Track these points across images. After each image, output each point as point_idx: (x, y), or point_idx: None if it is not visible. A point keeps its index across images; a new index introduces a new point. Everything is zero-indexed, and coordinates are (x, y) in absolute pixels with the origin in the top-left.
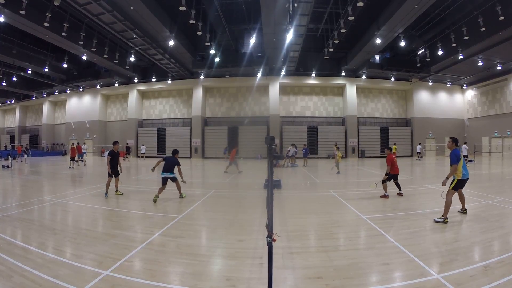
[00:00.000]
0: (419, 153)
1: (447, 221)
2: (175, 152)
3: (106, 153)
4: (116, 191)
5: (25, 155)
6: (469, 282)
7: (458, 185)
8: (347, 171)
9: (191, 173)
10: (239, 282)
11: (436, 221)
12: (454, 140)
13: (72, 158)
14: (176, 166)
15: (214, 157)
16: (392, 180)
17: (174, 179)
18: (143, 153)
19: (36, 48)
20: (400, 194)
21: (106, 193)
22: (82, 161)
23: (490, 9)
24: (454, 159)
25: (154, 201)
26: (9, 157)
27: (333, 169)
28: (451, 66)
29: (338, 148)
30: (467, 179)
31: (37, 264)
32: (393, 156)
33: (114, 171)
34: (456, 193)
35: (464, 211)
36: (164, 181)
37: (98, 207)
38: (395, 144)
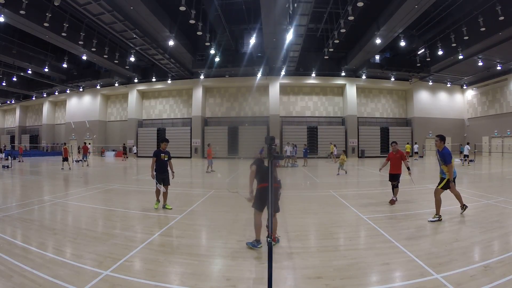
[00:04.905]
0: (416, 152)
1: (441, 219)
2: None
3: (107, 153)
4: (164, 203)
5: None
6: (469, 282)
7: (448, 184)
8: (347, 171)
9: (191, 173)
10: (239, 282)
11: (430, 221)
12: (442, 138)
13: (65, 159)
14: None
15: (214, 157)
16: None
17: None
18: (135, 153)
19: (36, 48)
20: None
21: (156, 203)
22: (85, 161)
23: (490, 9)
24: (450, 158)
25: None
26: (9, 157)
27: (340, 171)
28: (451, 66)
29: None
30: (455, 177)
31: (37, 264)
32: (392, 153)
33: (161, 177)
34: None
35: (463, 207)
36: None
37: (98, 207)
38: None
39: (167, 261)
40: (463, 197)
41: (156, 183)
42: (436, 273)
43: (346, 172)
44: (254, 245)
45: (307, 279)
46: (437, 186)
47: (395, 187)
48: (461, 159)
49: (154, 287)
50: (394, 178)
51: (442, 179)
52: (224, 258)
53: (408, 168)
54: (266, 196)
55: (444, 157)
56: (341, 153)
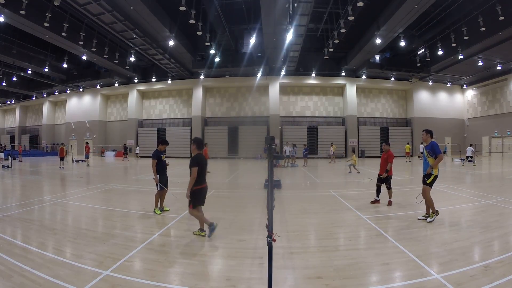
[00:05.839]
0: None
1: (438, 213)
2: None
3: (107, 153)
4: (161, 206)
5: None
6: (469, 282)
7: (434, 181)
8: (347, 171)
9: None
10: (239, 282)
11: (430, 222)
12: (429, 132)
13: (61, 158)
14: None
15: (214, 157)
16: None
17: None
18: (137, 153)
19: (36, 48)
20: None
21: (157, 208)
22: (84, 161)
23: (490, 9)
24: (439, 149)
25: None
26: (9, 157)
27: (351, 171)
28: (451, 66)
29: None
30: (437, 177)
31: (37, 264)
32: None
33: (163, 181)
34: (423, 196)
35: (435, 213)
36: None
37: (98, 207)
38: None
39: (167, 261)
40: (464, 197)
41: (161, 187)
42: (436, 273)
43: (350, 172)
44: (203, 231)
45: (307, 279)
46: (425, 184)
47: (388, 188)
48: (461, 159)
49: (154, 287)
50: (383, 180)
51: (429, 175)
52: (224, 258)
53: (387, 171)
54: (202, 195)
55: (434, 148)
56: (340, 153)
